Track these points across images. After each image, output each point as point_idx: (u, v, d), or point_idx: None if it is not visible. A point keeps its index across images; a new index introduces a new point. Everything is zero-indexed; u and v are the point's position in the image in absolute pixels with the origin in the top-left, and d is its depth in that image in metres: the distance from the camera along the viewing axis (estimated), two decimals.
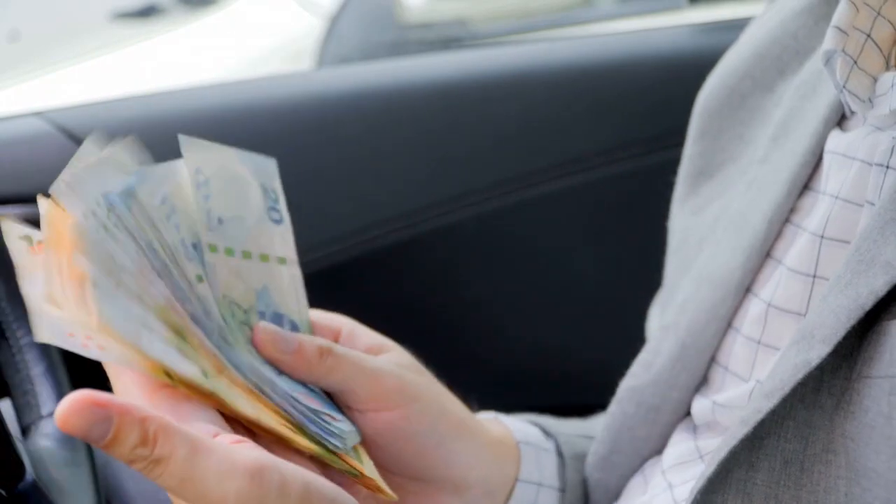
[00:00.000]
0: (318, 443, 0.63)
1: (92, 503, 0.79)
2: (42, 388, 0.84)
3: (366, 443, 0.69)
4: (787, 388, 0.60)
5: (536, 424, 0.81)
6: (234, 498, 0.53)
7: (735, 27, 0.87)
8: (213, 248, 0.63)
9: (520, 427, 0.79)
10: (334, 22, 2.11)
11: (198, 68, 2.11)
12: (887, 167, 0.64)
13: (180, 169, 0.64)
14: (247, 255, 0.65)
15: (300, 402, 0.64)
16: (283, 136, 1.29)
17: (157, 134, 1.22)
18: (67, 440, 0.82)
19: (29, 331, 0.85)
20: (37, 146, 1.21)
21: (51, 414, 0.84)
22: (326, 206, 1.29)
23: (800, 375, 0.60)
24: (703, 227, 0.80)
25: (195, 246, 0.63)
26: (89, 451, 0.82)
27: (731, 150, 0.81)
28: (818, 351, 0.60)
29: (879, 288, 0.59)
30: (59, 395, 0.84)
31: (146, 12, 2.90)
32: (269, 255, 0.66)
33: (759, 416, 0.60)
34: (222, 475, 0.53)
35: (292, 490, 0.54)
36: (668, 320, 0.77)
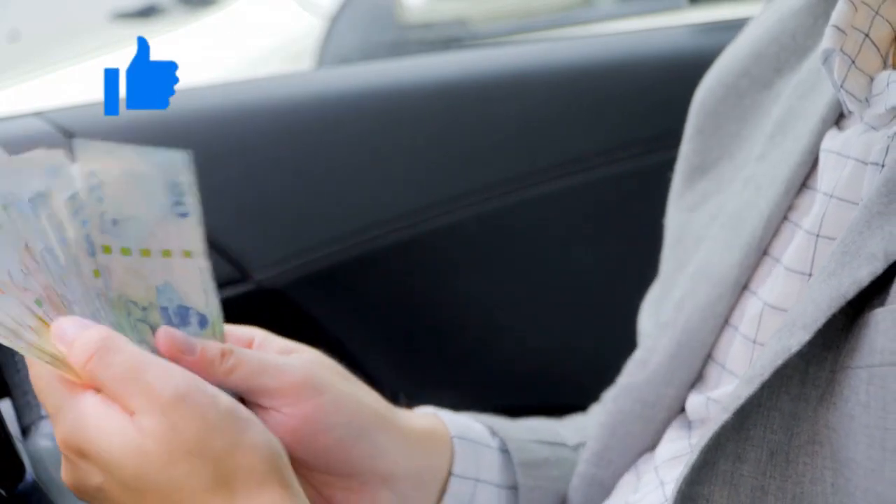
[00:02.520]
0: None
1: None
2: None
3: (288, 445, 0.69)
4: (766, 374, 0.60)
5: (483, 423, 0.81)
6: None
7: (735, 27, 0.87)
8: (107, 249, 0.67)
9: (460, 423, 0.80)
10: (334, 22, 2.11)
11: (198, 68, 2.11)
12: (882, 166, 0.64)
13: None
14: (145, 252, 0.68)
15: None
16: (283, 136, 1.29)
17: (157, 134, 1.22)
18: None
19: None
20: (37, 146, 1.20)
21: None
22: (326, 206, 1.29)
23: (779, 361, 0.60)
24: (700, 225, 0.80)
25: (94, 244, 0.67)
26: None
27: (727, 147, 0.81)
28: (798, 337, 0.60)
29: (863, 278, 0.59)
30: None
31: (146, 12, 2.90)
32: (171, 250, 0.68)
33: (738, 402, 0.61)
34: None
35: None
36: (665, 318, 0.77)
